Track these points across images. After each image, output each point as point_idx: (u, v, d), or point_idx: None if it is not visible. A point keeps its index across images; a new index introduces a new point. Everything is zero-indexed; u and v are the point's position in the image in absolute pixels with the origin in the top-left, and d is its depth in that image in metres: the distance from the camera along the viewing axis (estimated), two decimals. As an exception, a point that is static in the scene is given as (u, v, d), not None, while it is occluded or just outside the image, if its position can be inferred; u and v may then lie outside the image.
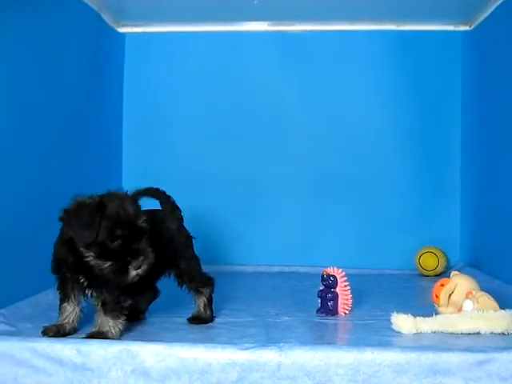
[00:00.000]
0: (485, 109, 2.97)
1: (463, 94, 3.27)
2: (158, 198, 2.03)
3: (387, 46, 3.30)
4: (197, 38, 3.34)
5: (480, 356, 1.53)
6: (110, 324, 1.76)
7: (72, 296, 1.81)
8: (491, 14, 2.87)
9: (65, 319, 1.82)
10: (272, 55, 3.33)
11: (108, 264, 1.69)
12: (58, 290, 1.84)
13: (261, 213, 3.31)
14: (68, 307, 1.82)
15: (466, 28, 3.23)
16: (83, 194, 1.75)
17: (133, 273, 1.70)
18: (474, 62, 3.13)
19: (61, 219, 1.74)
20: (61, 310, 1.83)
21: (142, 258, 1.71)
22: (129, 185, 3.24)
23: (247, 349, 1.56)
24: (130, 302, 1.82)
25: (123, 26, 3.32)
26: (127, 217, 1.71)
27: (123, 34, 3.35)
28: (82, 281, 1.77)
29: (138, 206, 1.78)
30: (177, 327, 1.95)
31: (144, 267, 1.72)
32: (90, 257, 1.70)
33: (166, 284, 2.11)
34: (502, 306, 1.94)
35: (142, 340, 1.64)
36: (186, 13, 3.13)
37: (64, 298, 1.82)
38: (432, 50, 3.30)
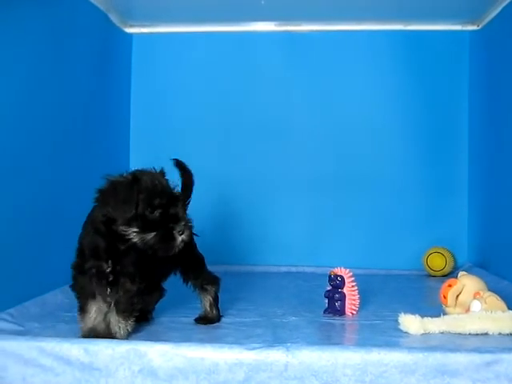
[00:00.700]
0: (492, 109, 2.96)
1: (471, 94, 3.26)
2: (181, 170, 2.05)
3: (394, 45, 3.29)
4: (204, 39, 3.35)
5: (488, 357, 1.52)
6: (121, 325, 1.75)
7: (98, 292, 1.78)
8: (499, 14, 2.86)
9: (95, 319, 1.77)
10: (279, 55, 3.33)
11: (152, 235, 1.70)
12: (78, 287, 1.81)
13: (268, 213, 3.31)
14: (94, 306, 1.78)
15: (474, 28, 3.22)
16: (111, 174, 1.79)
17: (179, 238, 1.72)
18: (482, 62, 3.12)
19: (96, 200, 1.75)
20: (85, 309, 1.79)
21: (183, 222, 1.73)
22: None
23: (254, 349, 1.56)
24: (141, 303, 1.82)
25: (130, 26, 3.33)
26: (162, 187, 1.74)
27: (130, 35, 3.36)
28: (108, 270, 1.77)
29: (166, 179, 1.81)
30: (184, 327, 1.95)
31: (187, 232, 1.74)
32: (133, 233, 1.71)
33: (173, 284, 2.11)
34: (510, 307, 1.94)
35: (149, 340, 1.65)
36: (193, 13, 3.13)
37: (88, 296, 1.78)
38: (440, 49, 3.29)
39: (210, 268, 3.08)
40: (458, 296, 2.05)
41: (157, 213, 1.71)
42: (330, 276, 2.19)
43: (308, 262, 3.20)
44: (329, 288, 2.19)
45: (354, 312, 2.16)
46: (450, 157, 3.29)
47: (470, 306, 1.98)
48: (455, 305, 2.04)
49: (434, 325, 1.86)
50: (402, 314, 1.93)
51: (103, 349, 1.58)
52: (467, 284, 2.06)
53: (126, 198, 1.69)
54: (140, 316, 1.93)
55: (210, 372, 1.55)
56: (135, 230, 1.70)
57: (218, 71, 3.35)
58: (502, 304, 1.95)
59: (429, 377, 1.52)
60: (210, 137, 3.34)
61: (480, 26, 3.17)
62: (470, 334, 1.83)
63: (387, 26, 3.27)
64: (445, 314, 1.97)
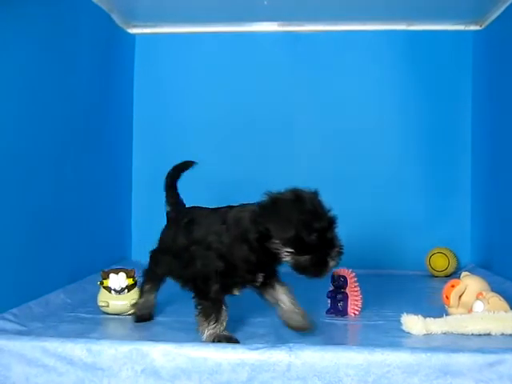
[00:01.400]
0: (496, 109, 2.96)
1: (474, 94, 3.26)
2: None
3: (397, 45, 3.29)
4: (206, 39, 3.35)
5: (491, 357, 1.52)
6: None
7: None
8: (502, 14, 2.86)
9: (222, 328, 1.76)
10: (282, 56, 3.33)
11: (307, 258, 1.68)
12: (214, 296, 1.78)
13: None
14: (225, 316, 1.78)
15: (477, 28, 3.22)
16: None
17: (330, 264, 1.70)
18: (485, 62, 3.12)
19: (258, 215, 1.73)
20: (217, 317, 1.76)
21: (337, 248, 1.71)
22: (138, 185, 3.33)
23: (257, 349, 1.57)
24: None
25: (133, 26, 3.33)
26: (321, 210, 1.71)
27: (133, 35, 3.36)
28: (258, 284, 1.80)
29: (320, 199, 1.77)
30: (187, 327, 1.95)
31: (338, 258, 1.71)
32: (287, 253, 1.69)
33: (176, 285, 2.11)
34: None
35: (152, 340, 1.65)
36: (195, 13, 3.13)
37: (221, 306, 1.77)
38: (443, 49, 3.29)
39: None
40: (460, 296, 2.05)
41: (314, 236, 1.67)
42: (332, 276, 2.19)
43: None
44: (331, 288, 2.19)
45: (357, 312, 2.16)
46: (453, 157, 3.29)
47: (473, 306, 1.98)
48: (458, 305, 2.04)
49: (437, 325, 1.86)
50: (405, 314, 1.93)
51: (106, 349, 1.59)
52: (470, 284, 2.06)
53: (288, 218, 1.66)
54: None
55: (213, 372, 1.56)
56: (290, 250, 1.68)
57: (221, 71, 3.35)
58: (504, 304, 1.95)
59: (432, 377, 1.52)
60: (213, 137, 3.34)
61: (483, 26, 3.17)
62: (472, 334, 1.83)
63: (390, 26, 3.27)
64: (447, 314, 1.98)
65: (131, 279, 2.15)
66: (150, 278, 2.09)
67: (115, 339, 1.68)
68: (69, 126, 2.49)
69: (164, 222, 3.41)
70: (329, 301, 2.18)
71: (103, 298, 2.12)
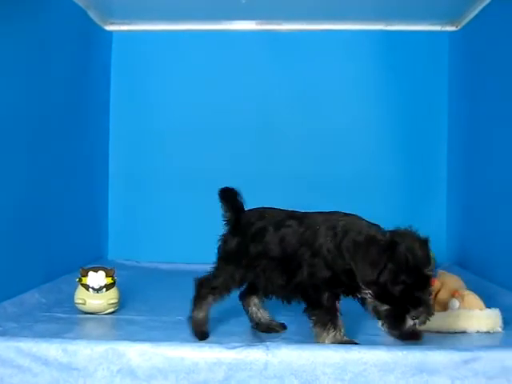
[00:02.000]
0: (471, 108, 2.99)
1: (450, 94, 3.29)
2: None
3: (375, 45, 3.30)
4: (184, 37, 3.33)
5: (466, 355, 1.54)
6: None
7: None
8: (478, 15, 2.89)
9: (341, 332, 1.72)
10: (260, 54, 3.32)
11: (385, 307, 1.62)
12: (329, 305, 1.73)
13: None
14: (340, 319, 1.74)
15: (453, 28, 3.25)
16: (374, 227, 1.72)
17: (410, 322, 1.60)
18: (461, 62, 3.15)
19: (348, 250, 1.66)
20: (336, 322, 1.72)
21: (421, 308, 1.59)
22: (115, 184, 3.30)
23: (234, 348, 1.56)
24: None
25: (111, 23, 3.30)
26: (415, 263, 1.59)
27: (110, 32, 3.33)
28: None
29: (428, 251, 1.65)
30: (164, 326, 1.94)
31: (422, 319, 1.60)
32: (368, 294, 1.64)
33: (153, 284, 2.10)
34: (488, 305, 1.95)
35: (128, 339, 1.64)
36: (173, 11, 3.11)
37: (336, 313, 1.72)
38: (419, 49, 3.31)
39: (187, 267, 3.08)
40: (436, 294, 2.06)
41: (398, 288, 1.58)
42: (310, 275, 2.19)
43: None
44: (309, 287, 2.19)
45: (334, 311, 2.16)
46: (429, 156, 3.31)
47: (449, 304, 2.00)
48: (434, 303, 2.06)
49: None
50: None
51: (82, 349, 1.57)
52: (446, 283, 2.08)
53: (373, 263, 1.60)
54: None
55: (190, 371, 1.55)
56: (371, 293, 1.63)
57: (199, 69, 3.33)
58: (480, 302, 1.96)
59: (408, 375, 1.52)
60: (191, 135, 3.33)
61: (459, 27, 3.20)
62: (448, 332, 1.85)
63: (368, 26, 3.28)
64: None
65: (110, 278, 2.13)
66: (217, 291, 1.91)
67: (91, 339, 1.66)
68: (44, 123, 2.46)
69: (141, 220, 3.41)
70: (306, 299, 2.17)
71: (80, 295, 2.10)
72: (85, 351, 1.56)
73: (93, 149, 3.14)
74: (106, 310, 2.10)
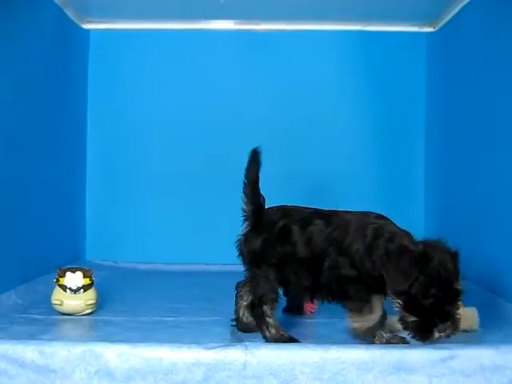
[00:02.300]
0: (448, 109, 3.02)
1: (428, 94, 3.31)
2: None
3: (354, 45, 3.31)
4: (162, 36, 3.31)
5: (443, 353, 1.55)
6: None
7: None
8: (455, 16, 2.91)
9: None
10: (238, 54, 3.32)
11: (413, 319, 1.61)
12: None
13: (227, 211, 3.28)
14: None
15: (431, 29, 3.27)
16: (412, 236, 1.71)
17: (436, 335, 1.60)
18: (439, 63, 3.17)
19: (380, 257, 1.65)
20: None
21: (449, 323, 1.60)
22: (93, 183, 3.28)
23: (213, 348, 1.55)
24: None
25: (88, 22, 3.27)
26: (447, 277, 1.59)
27: (88, 31, 3.30)
28: None
29: (457, 264, 1.65)
30: (142, 327, 1.93)
31: (448, 332, 1.60)
32: (397, 304, 1.63)
33: (131, 283, 2.09)
34: (466, 305, 1.96)
35: (106, 340, 1.62)
36: (152, 10, 3.10)
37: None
38: (397, 50, 3.33)
39: (166, 267, 3.07)
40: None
41: (428, 301, 1.58)
42: (289, 275, 2.19)
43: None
44: (288, 286, 2.19)
45: (313, 310, 2.17)
46: (407, 157, 3.34)
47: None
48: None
49: (391, 322, 1.88)
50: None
51: (59, 350, 1.55)
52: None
53: (405, 273, 1.59)
54: None
55: (168, 372, 1.54)
56: (400, 303, 1.62)
57: (177, 69, 3.32)
58: (457, 301, 1.98)
59: (385, 374, 1.53)
60: (168, 134, 3.31)
61: (436, 28, 3.22)
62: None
63: (346, 27, 3.29)
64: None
65: (88, 279, 2.11)
66: (265, 298, 1.84)
67: (68, 340, 1.65)
68: (20, 122, 2.43)
69: (119, 220, 3.38)
70: (285, 299, 2.18)
71: (58, 296, 2.08)
72: (62, 353, 1.55)
73: (70, 148, 3.11)
74: (84, 310, 2.08)
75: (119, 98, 3.33)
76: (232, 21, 3.29)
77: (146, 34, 3.31)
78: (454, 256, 1.65)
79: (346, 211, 1.81)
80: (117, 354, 1.54)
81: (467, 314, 1.90)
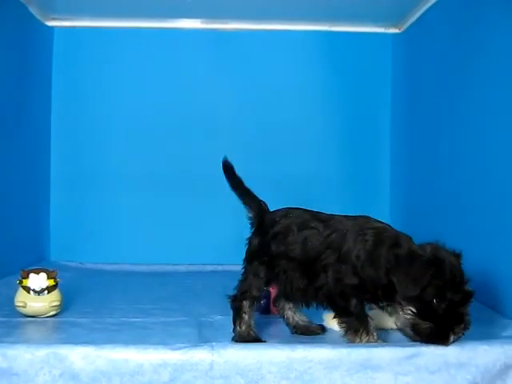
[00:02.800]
0: (413, 109, 3.06)
1: (393, 94, 3.35)
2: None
3: (320, 46, 3.34)
4: (128, 34, 3.28)
5: (409, 350, 1.56)
6: None
7: None
8: (420, 18, 2.95)
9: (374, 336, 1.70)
10: (205, 53, 3.31)
11: (427, 325, 1.57)
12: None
13: (194, 211, 3.29)
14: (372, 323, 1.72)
15: (396, 31, 3.31)
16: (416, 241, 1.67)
17: (451, 340, 1.57)
18: (403, 64, 3.21)
19: (389, 262, 1.62)
20: (368, 327, 1.69)
21: (463, 325, 1.57)
22: (57, 184, 3.23)
23: (179, 349, 1.54)
24: None
25: (52, 19, 3.22)
26: (460, 279, 1.58)
27: (52, 28, 3.25)
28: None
29: (461, 265, 1.63)
30: (107, 328, 1.91)
31: (461, 335, 1.58)
32: (409, 311, 1.59)
33: (96, 284, 2.07)
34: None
35: (70, 342, 1.60)
36: (117, 8, 3.07)
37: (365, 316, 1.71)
38: (364, 51, 3.37)
39: (133, 267, 3.04)
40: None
41: (443, 305, 1.55)
42: (256, 274, 2.19)
43: (234, 260, 3.17)
44: (255, 286, 2.19)
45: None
46: (373, 156, 3.37)
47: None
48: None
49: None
50: (327, 311, 1.95)
51: (22, 353, 1.52)
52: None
53: (417, 278, 1.56)
54: None
55: (135, 373, 1.52)
56: (413, 310, 1.59)
57: (143, 68, 3.30)
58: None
59: (352, 372, 1.54)
60: (134, 135, 3.29)
61: (402, 29, 3.26)
62: (392, 328, 1.88)
63: (313, 27, 3.31)
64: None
65: (52, 280, 2.07)
66: (247, 294, 1.86)
67: (32, 343, 1.61)
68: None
69: (85, 220, 3.34)
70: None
71: (21, 298, 2.04)
72: (25, 356, 1.52)
73: (34, 147, 3.06)
74: (48, 312, 2.05)
75: (84, 95, 3.29)
76: (199, 20, 3.27)
77: (112, 31, 3.27)
78: (459, 257, 1.64)
79: (344, 215, 1.80)
80: (82, 356, 1.52)
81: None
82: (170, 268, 3.11)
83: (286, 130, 3.32)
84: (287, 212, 1.88)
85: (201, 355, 1.53)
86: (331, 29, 3.32)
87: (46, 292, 2.05)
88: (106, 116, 3.28)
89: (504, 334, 1.81)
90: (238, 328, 1.80)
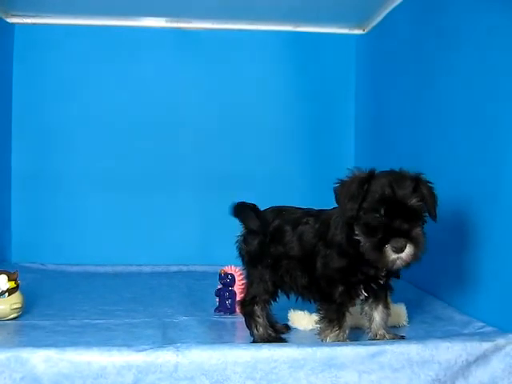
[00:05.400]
0: (377, 109, 3.09)
1: (357, 94, 3.38)
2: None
3: (285, 46, 3.35)
4: (91, 32, 3.24)
5: (372, 348, 1.58)
6: None
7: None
8: (384, 19, 2.99)
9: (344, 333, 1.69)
10: (169, 52, 3.29)
11: (366, 240, 1.57)
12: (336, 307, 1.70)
13: (158, 211, 3.26)
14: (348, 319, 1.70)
15: (360, 32, 3.34)
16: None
17: (390, 254, 1.54)
18: (367, 65, 3.24)
19: (334, 190, 1.65)
20: (342, 322, 1.69)
21: (404, 239, 1.54)
22: (18, 184, 3.18)
23: (144, 350, 1.53)
24: None
25: (12, 16, 3.17)
26: (394, 194, 1.56)
27: (12, 25, 3.19)
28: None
29: (412, 185, 1.59)
30: (70, 330, 1.88)
31: (409, 251, 1.55)
32: (357, 232, 1.60)
33: (58, 285, 2.04)
34: (394, 301, 2.01)
35: (32, 345, 1.57)
36: (80, 5, 3.03)
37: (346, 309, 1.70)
38: (328, 51, 3.39)
39: (96, 269, 3.00)
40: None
41: (376, 219, 1.56)
42: (220, 274, 2.20)
43: (199, 260, 3.18)
44: (219, 286, 2.19)
45: (245, 310, 2.17)
46: (337, 156, 3.38)
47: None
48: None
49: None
50: (292, 310, 1.97)
51: (-19, 357, 1.49)
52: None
53: (352, 195, 1.59)
54: None
55: (98, 376, 1.50)
56: (359, 229, 1.60)
57: (106, 66, 3.25)
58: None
59: (317, 370, 1.55)
60: (97, 134, 3.25)
61: (366, 31, 3.29)
62: (356, 327, 1.89)
63: (278, 27, 3.32)
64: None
65: (13, 282, 2.04)
66: (257, 299, 1.85)
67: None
68: None
69: (46, 221, 3.28)
70: (217, 299, 2.18)
71: (-19, 301, 2.01)
72: (-15, 360, 1.49)
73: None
74: (9, 315, 2.01)
75: (46, 93, 3.23)
76: (163, 18, 3.25)
77: (74, 29, 3.23)
78: (399, 174, 1.62)
79: (334, 208, 1.81)
80: (44, 359, 1.50)
81: (396, 311, 1.95)
82: (134, 269, 3.08)
83: (250, 128, 3.32)
84: (278, 211, 1.89)
85: (165, 356, 1.52)
86: (296, 29, 3.34)
87: (6, 294, 2.01)
88: (68, 115, 3.23)
89: (465, 331, 1.84)
90: (255, 331, 1.81)
